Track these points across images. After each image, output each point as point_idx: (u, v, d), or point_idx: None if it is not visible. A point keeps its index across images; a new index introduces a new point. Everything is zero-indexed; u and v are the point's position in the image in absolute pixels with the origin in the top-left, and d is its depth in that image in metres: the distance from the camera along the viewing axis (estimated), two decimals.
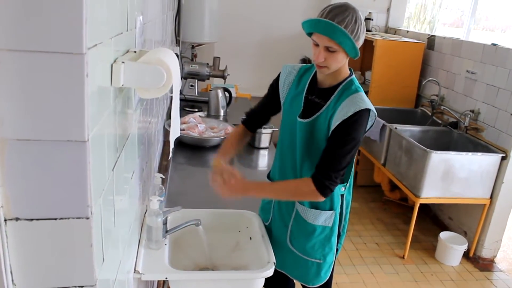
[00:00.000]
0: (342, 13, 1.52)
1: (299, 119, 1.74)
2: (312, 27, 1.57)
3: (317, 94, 1.73)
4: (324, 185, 1.63)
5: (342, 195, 1.83)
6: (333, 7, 1.55)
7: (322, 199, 1.66)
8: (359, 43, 1.61)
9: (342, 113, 1.61)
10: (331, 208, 1.80)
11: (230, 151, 1.93)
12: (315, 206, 1.80)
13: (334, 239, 1.85)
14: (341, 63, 1.63)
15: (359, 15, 1.57)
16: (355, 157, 1.83)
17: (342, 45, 1.54)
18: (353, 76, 1.73)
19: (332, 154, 1.64)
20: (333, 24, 1.51)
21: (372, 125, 1.70)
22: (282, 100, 1.85)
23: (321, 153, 1.67)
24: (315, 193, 1.64)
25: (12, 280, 0.77)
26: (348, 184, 1.83)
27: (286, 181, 1.80)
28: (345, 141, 1.62)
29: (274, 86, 1.89)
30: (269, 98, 1.92)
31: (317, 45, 1.59)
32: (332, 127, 1.63)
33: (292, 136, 1.79)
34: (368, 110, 1.62)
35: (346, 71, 1.72)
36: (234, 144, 1.96)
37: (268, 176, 2.00)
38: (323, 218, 1.80)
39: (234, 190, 1.68)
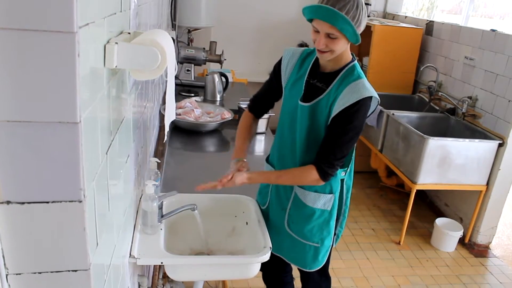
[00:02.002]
0: None
1: (300, 103, 1.72)
2: (312, 13, 1.54)
3: (319, 78, 1.72)
4: (326, 173, 1.68)
5: (342, 180, 1.83)
6: None
7: (322, 183, 1.72)
8: (360, 29, 1.58)
9: (344, 101, 1.59)
10: (330, 192, 1.80)
11: (245, 147, 1.93)
12: (314, 189, 1.80)
13: (333, 223, 1.86)
14: (342, 48, 1.61)
15: (360, 1, 1.53)
16: None
17: (343, 32, 1.51)
18: (356, 61, 1.71)
19: (334, 142, 1.65)
20: (334, 10, 1.47)
21: (374, 110, 1.70)
22: (283, 84, 1.83)
23: (323, 140, 1.68)
24: (318, 180, 1.70)
25: (5, 264, 0.76)
26: (348, 169, 1.83)
27: (290, 169, 1.81)
28: (347, 129, 1.62)
29: (277, 70, 1.87)
30: (272, 83, 1.91)
31: (317, 31, 1.56)
32: (333, 114, 1.62)
33: (292, 120, 1.78)
34: (371, 97, 1.61)
35: (348, 56, 1.69)
36: (246, 138, 1.96)
37: (267, 160, 2.00)
38: (323, 202, 1.80)
39: (240, 181, 1.72)
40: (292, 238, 1.89)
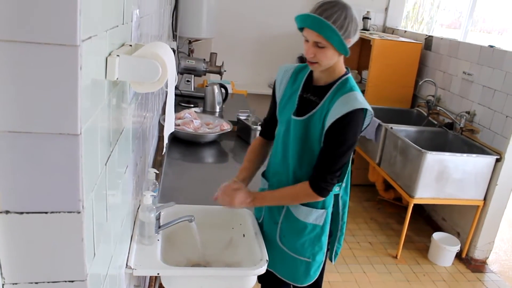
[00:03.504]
0: (331, 8, 1.53)
1: (293, 117, 1.73)
2: (302, 22, 1.59)
3: (312, 92, 1.72)
4: (321, 188, 1.68)
5: (336, 195, 1.82)
6: (323, 3, 1.56)
7: (321, 199, 1.72)
8: (350, 41, 1.60)
9: (335, 112, 1.60)
10: (322, 207, 1.79)
11: (247, 168, 1.94)
12: (306, 203, 1.79)
13: (325, 238, 1.84)
14: (331, 59, 1.62)
15: (350, 12, 1.56)
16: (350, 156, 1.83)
17: (330, 41, 1.54)
18: (349, 74, 1.72)
19: (327, 156, 1.65)
20: (320, 19, 1.52)
21: (369, 124, 1.70)
22: (278, 100, 1.84)
23: (318, 155, 1.68)
24: (314, 196, 1.70)
25: (1, 274, 0.76)
26: (344, 184, 1.81)
27: (286, 188, 1.80)
28: (339, 142, 1.62)
29: (273, 90, 1.88)
30: (273, 103, 1.91)
31: (307, 40, 1.60)
32: (326, 126, 1.62)
33: (285, 134, 1.78)
34: (363, 109, 1.61)
35: (341, 69, 1.70)
36: (251, 161, 1.96)
37: (263, 175, 1.99)
38: (314, 216, 1.79)
39: (238, 203, 1.75)
40: (283, 252, 1.88)
